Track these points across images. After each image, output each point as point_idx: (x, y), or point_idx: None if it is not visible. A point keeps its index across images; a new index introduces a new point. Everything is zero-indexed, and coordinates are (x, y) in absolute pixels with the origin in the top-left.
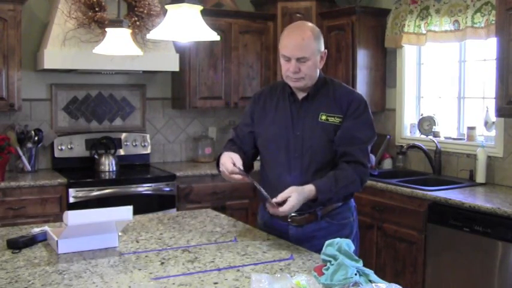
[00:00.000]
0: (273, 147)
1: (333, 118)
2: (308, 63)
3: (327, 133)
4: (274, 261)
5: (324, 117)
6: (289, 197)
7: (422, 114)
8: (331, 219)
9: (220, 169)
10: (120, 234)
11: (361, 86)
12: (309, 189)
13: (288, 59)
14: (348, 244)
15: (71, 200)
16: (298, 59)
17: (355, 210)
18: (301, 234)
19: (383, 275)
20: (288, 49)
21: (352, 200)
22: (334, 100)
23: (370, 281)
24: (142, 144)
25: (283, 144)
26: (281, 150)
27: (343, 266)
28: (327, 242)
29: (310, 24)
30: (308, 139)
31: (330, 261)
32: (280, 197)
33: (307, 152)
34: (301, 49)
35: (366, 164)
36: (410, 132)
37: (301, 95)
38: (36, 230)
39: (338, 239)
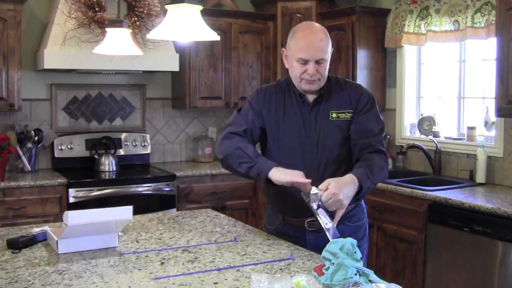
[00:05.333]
0: (287, 151)
1: (343, 114)
2: (325, 64)
3: (341, 130)
4: (274, 261)
5: (334, 115)
6: (329, 184)
7: (422, 114)
8: (348, 221)
9: (284, 179)
10: (120, 234)
11: None
12: (350, 178)
13: (305, 62)
14: (352, 244)
15: (71, 200)
16: (316, 61)
17: (366, 210)
18: (320, 239)
19: (383, 275)
20: (306, 52)
21: (363, 200)
22: (343, 96)
23: (370, 281)
24: (142, 144)
25: (297, 147)
26: (295, 154)
27: (343, 266)
28: (332, 240)
29: (317, 24)
30: (322, 139)
31: (329, 260)
32: (322, 185)
33: (322, 153)
34: (320, 51)
35: (385, 152)
36: (410, 132)
37: (311, 97)
38: (36, 230)
39: (343, 239)
